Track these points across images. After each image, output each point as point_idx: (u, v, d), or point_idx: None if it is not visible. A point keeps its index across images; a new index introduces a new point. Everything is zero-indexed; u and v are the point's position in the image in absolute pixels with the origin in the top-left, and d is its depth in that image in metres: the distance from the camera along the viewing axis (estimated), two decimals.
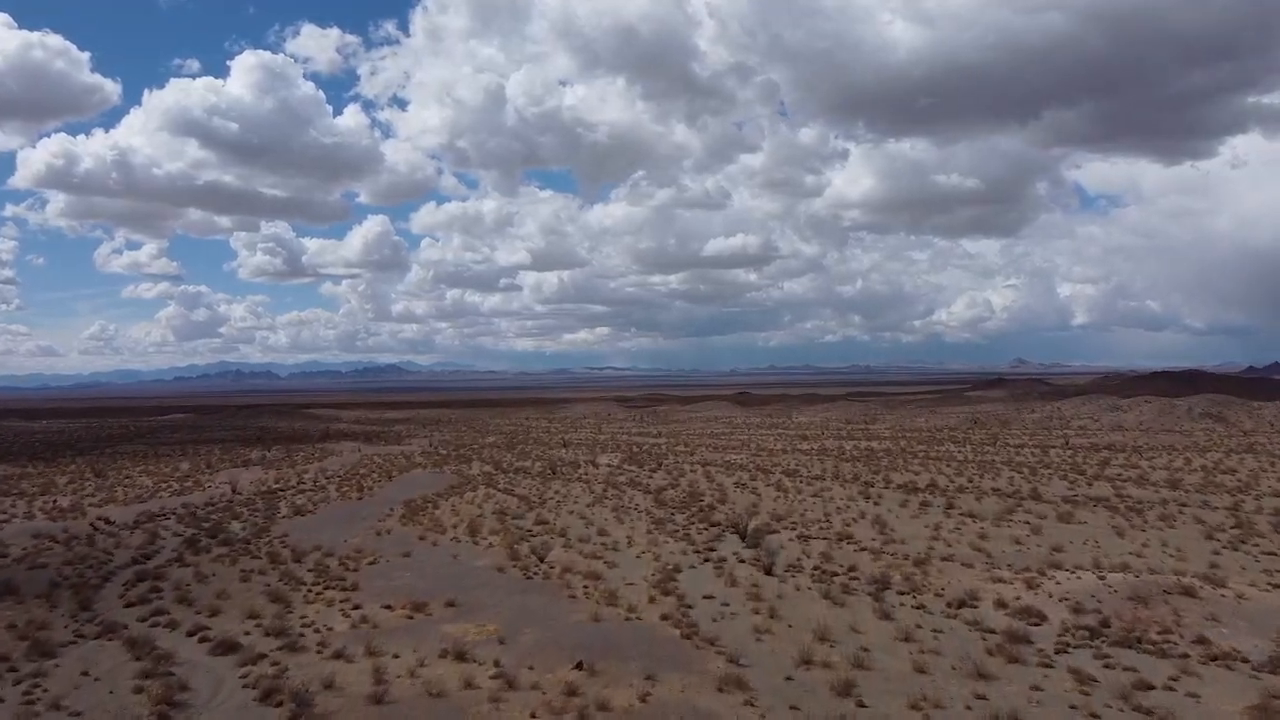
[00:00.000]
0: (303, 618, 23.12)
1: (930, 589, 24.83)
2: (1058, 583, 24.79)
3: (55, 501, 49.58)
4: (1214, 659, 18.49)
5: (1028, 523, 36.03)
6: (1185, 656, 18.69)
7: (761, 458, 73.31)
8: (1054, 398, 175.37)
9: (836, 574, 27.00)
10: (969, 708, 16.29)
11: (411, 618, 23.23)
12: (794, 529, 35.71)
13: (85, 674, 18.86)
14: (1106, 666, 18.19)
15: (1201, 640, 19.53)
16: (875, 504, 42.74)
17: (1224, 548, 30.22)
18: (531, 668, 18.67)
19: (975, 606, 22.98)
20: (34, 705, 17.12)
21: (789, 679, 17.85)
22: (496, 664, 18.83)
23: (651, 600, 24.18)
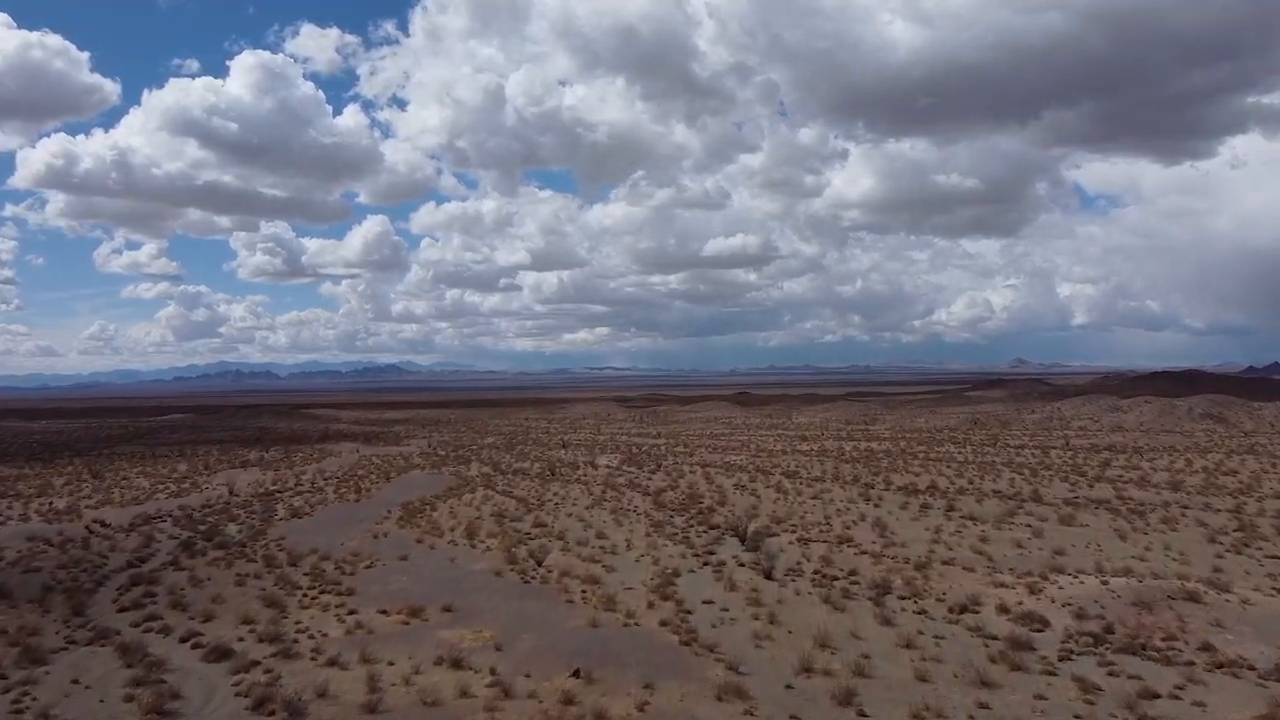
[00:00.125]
0: (297, 623, 22.88)
1: (932, 594, 24.60)
2: (1060, 587, 24.53)
3: (51, 503, 49.36)
4: (1220, 666, 18.25)
5: (1029, 526, 35.79)
6: (1190, 664, 18.44)
7: (761, 459, 73.07)
8: (1054, 398, 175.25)
9: (837, 578, 26.76)
10: (972, 718, 16.05)
11: (407, 623, 23.00)
12: (794, 532, 35.48)
13: (76, 682, 18.61)
14: (1111, 674, 17.95)
15: (1207, 647, 19.28)
16: (876, 506, 42.51)
17: (1227, 551, 30.00)
18: (528, 675, 18.44)
19: (977, 612, 22.74)
20: (22, 715, 16.87)
21: (789, 687, 17.61)
22: (492, 671, 18.59)
23: (650, 605, 23.95)
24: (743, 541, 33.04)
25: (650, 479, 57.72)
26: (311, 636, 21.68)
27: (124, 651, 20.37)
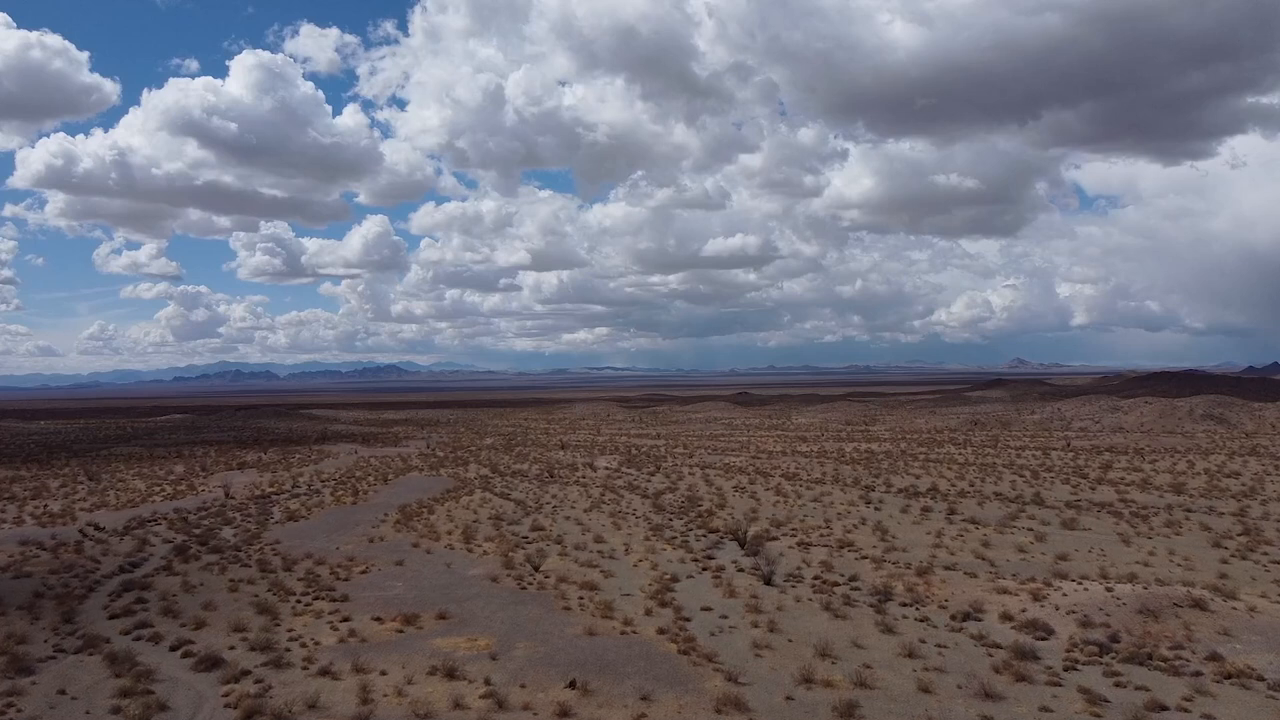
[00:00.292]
0: (290, 631, 22.51)
1: (934, 600, 24.26)
2: (1064, 594, 24.18)
3: (46, 506, 48.99)
4: (1228, 677, 17.90)
5: (1031, 529, 35.44)
6: (1198, 674, 18.10)
7: (761, 460, 72.72)
8: (1054, 398, 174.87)
9: (838, 584, 26.41)
10: None
11: (402, 631, 22.63)
12: (794, 535, 35.13)
13: (62, 692, 18.25)
14: (1117, 685, 17.60)
15: (1214, 657, 18.94)
16: (876, 509, 42.16)
17: (1232, 556, 29.64)
18: (523, 686, 18.09)
19: (980, 619, 22.41)
20: None
21: (789, 699, 17.26)
22: (487, 682, 18.23)
23: (648, 613, 23.59)
24: (742, 546, 32.70)
25: (649, 481, 57.37)
26: (304, 645, 21.31)
27: (113, 661, 20.01)
